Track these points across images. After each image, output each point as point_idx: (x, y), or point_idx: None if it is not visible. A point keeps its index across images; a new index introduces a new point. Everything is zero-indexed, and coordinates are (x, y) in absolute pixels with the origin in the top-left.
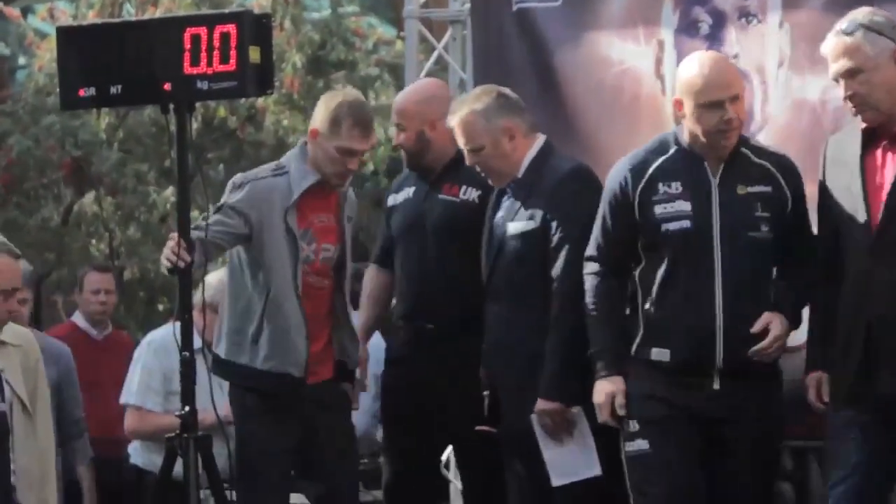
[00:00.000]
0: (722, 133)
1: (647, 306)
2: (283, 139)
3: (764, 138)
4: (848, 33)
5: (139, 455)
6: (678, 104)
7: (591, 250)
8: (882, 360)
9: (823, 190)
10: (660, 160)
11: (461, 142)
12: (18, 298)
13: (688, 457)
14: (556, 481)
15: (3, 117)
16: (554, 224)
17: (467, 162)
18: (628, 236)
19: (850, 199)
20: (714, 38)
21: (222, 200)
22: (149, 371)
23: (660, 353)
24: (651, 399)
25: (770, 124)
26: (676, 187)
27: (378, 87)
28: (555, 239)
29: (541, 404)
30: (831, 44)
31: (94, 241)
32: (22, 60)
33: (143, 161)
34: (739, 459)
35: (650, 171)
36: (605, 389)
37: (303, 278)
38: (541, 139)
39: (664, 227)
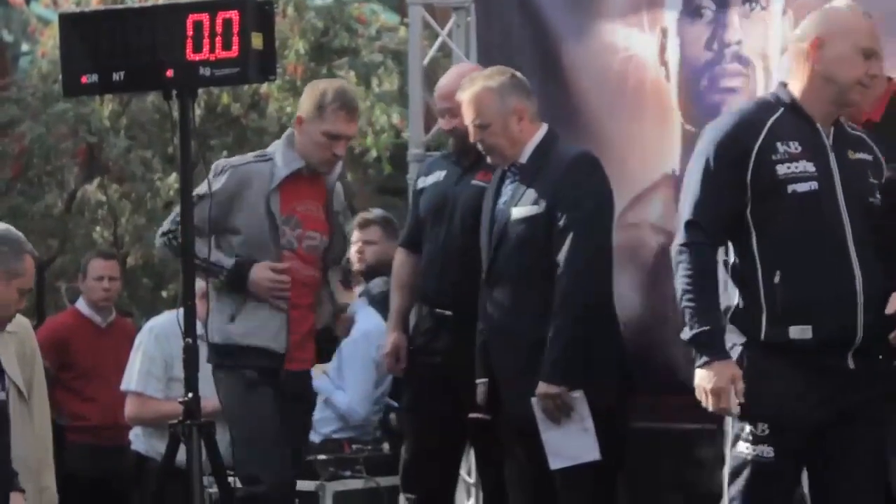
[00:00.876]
0: (859, 88)
1: (776, 280)
2: (286, 126)
3: None
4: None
5: (141, 442)
6: (816, 45)
7: (693, 215)
8: None
9: None
10: (772, 118)
11: (469, 117)
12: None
13: (800, 470)
14: (555, 464)
15: (9, 104)
16: (561, 208)
17: (471, 138)
18: (737, 201)
19: None
20: (718, 25)
21: (203, 188)
22: (150, 357)
23: (801, 331)
24: (785, 400)
25: None
26: (796, 147)
27: (381, 74)
28: (561, 222)
29: (543, 388)
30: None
31: (97, 228)
32: (25, 47)
33: (147, 148)
34: (868, 443)
35: (765, 128)
36: (726, 373)
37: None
38: (545, 127)
39: (790, 188)
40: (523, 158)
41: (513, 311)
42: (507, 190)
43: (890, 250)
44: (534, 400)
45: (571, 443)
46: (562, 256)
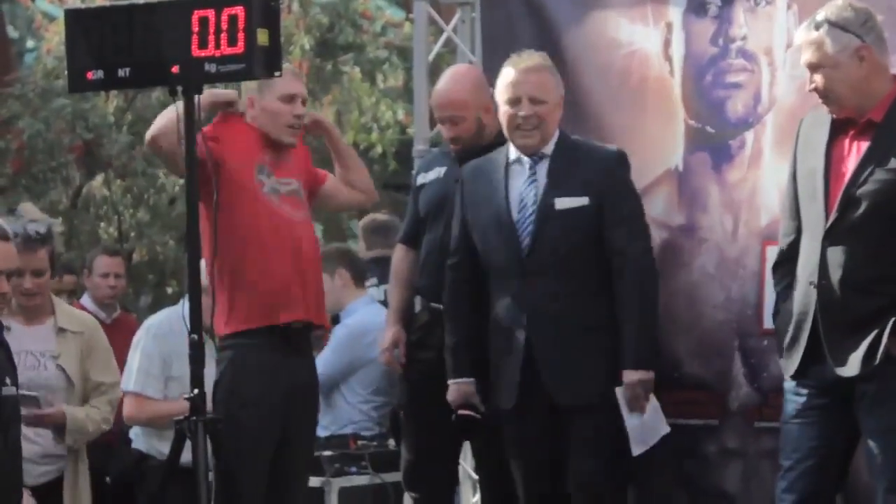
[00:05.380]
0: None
1: None
2: None
3: (772, 119)
4: (815, 27)
5: (141, 440)
6: None
7: None
8: (828, 342)
9: (793, 168)
10: None
11: (525, 89)
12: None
13: None
14: (637, 451)
15: (12, 100)
16: (617, 199)
17: (525, 112)
18: None
19: (813, 183)
20: (722, 20)
21: None
22: (148, 356)
23: None
24: None
25: (777, 106)
26: None
27: (386, 70)
28: (618, 214)
29: (633, 375)
30: (800, 35)
31: (102, 225)
32: (30, 43)
33: None
34: None
35: None
36: None
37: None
38: None
39: None
40: (548, 149)
41: (559, 296)
42: (534, 180)
43: None
44: (619, 390)
45: (648, 425)
46: (629, 242)
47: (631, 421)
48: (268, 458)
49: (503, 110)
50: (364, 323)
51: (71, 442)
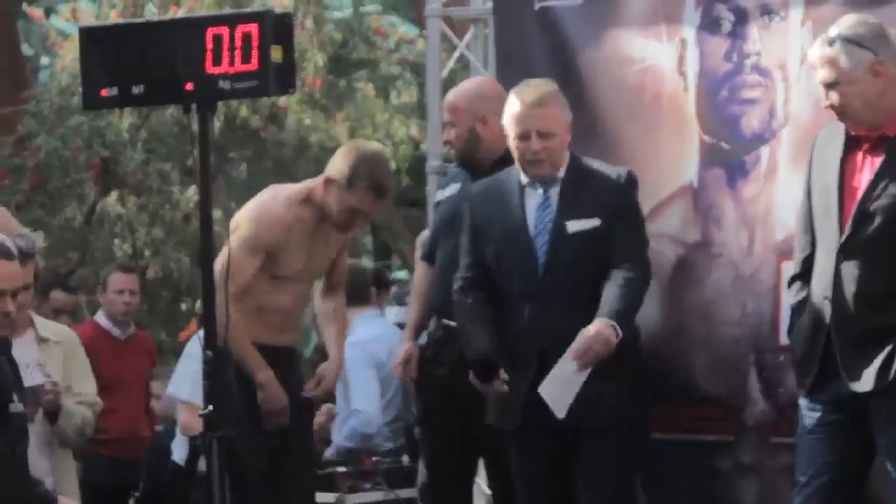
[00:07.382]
0: None
1: None
2: (305, 138)
3: (787, 135)
4: (829, 44)
5: (177, 453)
6: None
7: None
8: (842, 357)
9: (807, 184)
10: None
11: (533, 123)
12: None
13: None
14: (561, 413)
15: (28, 117)
16: (624, 220)
17: (535, 147)
18: None
19: (826, 198)
20: (736, 36)
21: None
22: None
23: None
24: None
25: (792, 122)
26: None
27: (400, 86)
28: (629, 227)
29: (607, 330)
30: (814, 52)
31: (117, 241)
32: (45, 60)
33: (166, 161)
34: None
35: None
36: None
37: None
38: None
39: None
40: (559, 173)
41: (569, 323)
42: (545, 205)
43: None
44: (580, 336)
45: (568, 385)
46: (635, 249)
47: (563, 367)
48: (260, 472)
49: (513, 143)
50: (366, 335)
51: (69, 430)
